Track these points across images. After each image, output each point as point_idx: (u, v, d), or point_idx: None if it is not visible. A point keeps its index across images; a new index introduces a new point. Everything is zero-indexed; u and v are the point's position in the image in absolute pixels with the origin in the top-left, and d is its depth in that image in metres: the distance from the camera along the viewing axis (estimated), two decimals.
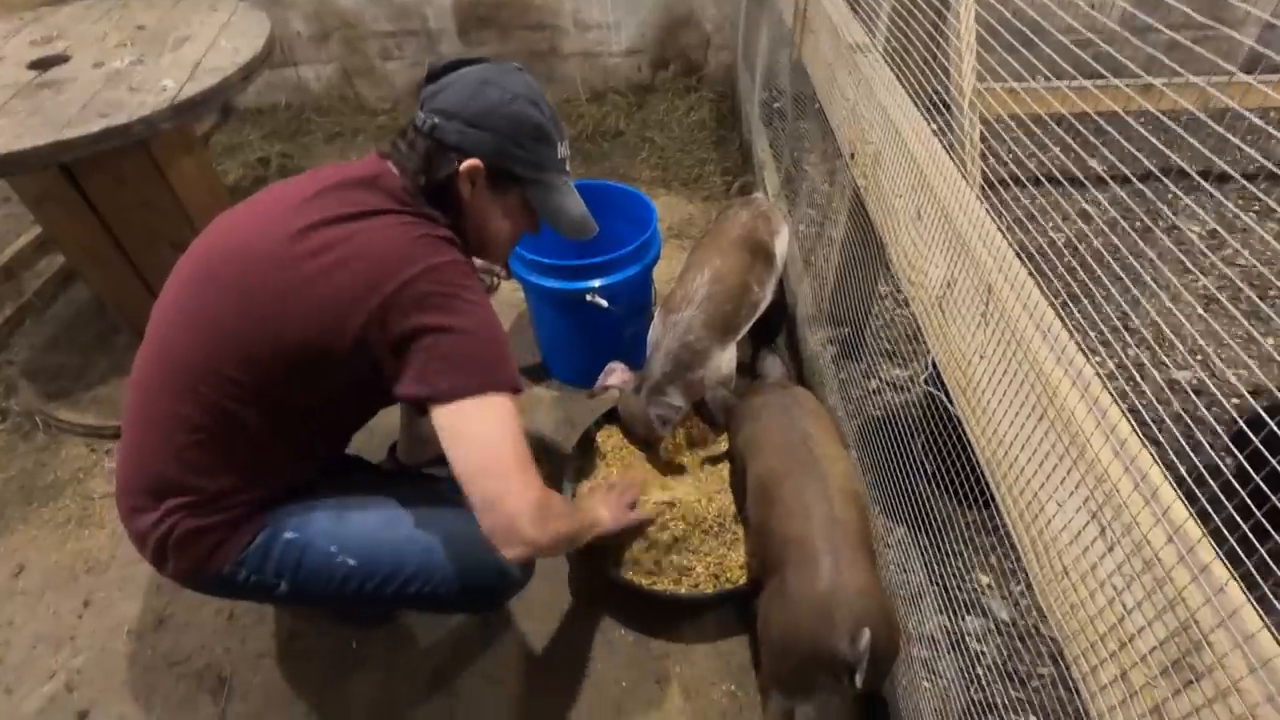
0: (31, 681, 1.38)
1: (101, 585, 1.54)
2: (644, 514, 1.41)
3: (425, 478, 1.48)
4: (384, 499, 1.18)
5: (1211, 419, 0.62)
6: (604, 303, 1.66)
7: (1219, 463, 0.59)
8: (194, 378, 0.98)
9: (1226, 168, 0.62)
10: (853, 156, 1.35)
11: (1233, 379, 0.66)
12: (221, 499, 1.05)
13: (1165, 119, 0.87)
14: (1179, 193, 0.67)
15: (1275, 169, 0.60)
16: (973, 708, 1.18)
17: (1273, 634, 0.46)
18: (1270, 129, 0.66)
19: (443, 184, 1.04)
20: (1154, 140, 0.75)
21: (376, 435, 1.74)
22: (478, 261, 1.24)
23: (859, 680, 0.93)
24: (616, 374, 1.60)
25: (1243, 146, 0.66)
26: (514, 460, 0.97)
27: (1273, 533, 0.49)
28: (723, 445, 1.67)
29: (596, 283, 1.67)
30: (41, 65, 1.67)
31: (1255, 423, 0.52)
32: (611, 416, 1.73)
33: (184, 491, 1.03)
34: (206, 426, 1.00)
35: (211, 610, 1.48)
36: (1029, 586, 1.42)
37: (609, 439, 1.71)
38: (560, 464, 1.70)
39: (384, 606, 1.33)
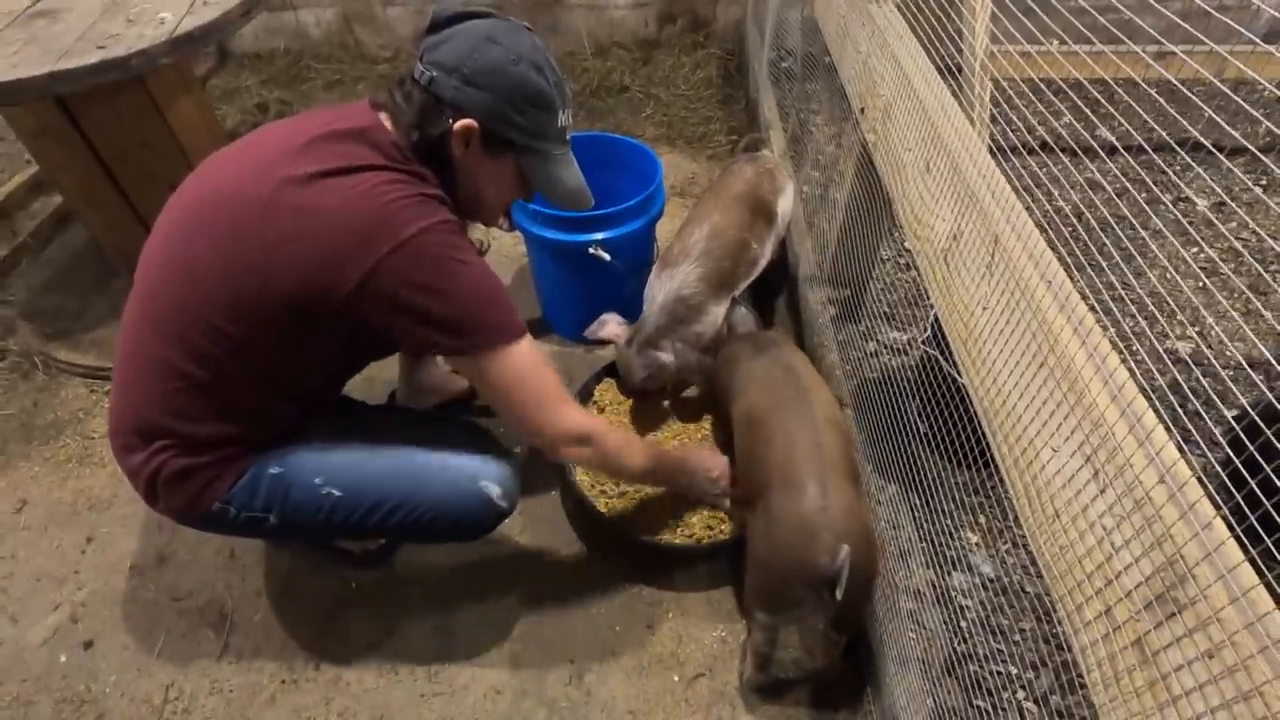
0: (36, 613, 1.41)
1: (104, 522, 1.56)
2: (723, 498, 1.40)
3: (413, 412, 1.50)
4: (371, 432, 1.20)
5: (1207, 388, 0.63)
6: (606, 256, 1.66)
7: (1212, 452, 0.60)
8: (181, 325, 0.99)
9: (1239, 138, 0.61)
10: (863, 111, 1.33)
11: (1232, 349, 0.67)
12: (209, 443, 1.06)
13: (1181, 87, 0.86)
14: (1191, 161, 0.67)
15: None
16: (955, 657, 1.21)
17: (1256, 564, 0.48)
18: None
19: (435, 141, 1.01)
20: (1169, 109, 0.74)
21: (376, 384, 1.76)
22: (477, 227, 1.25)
23: (839, 593, 0.97)
24: (609, 326, 1.60)
25: (1259, 118, 0.66)
26: (544, 395, 1.08)
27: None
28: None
29: (600, 236, 1.66)
30: None
31: (1252, 429, 0.53)
32: (610, 371, 1.74)
33: (171, 434, 1.04)
34: (193, 374, 1.00)
35: (212, 549, 1.50)
36: (1015, 545, 1.45)
37: (606, 393, 1.72)
38: None
39: (374, 534, 1.35)
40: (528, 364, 1.05)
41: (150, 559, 1.49)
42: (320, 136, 0.97)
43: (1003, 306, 0.79)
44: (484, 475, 1.19)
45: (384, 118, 1.02)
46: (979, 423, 0.84)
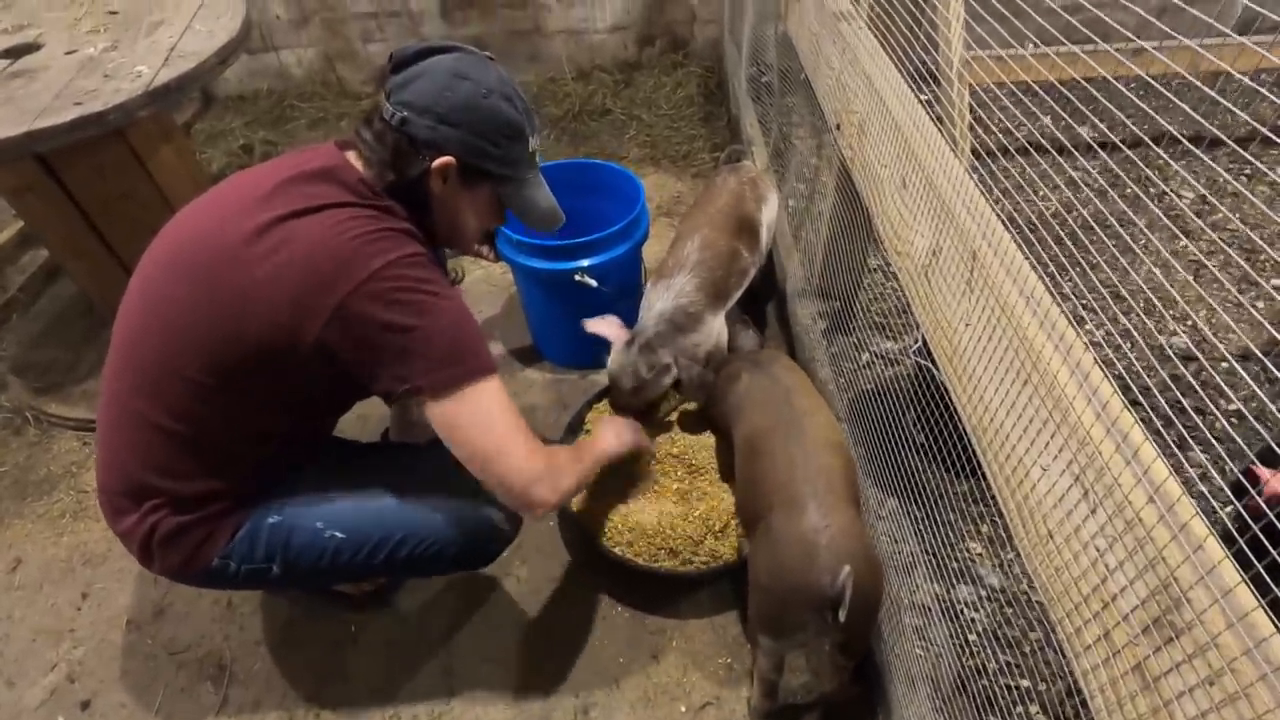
0: (33, 673, 1.39)
1: (99, 577, 1.54)
2: (645, 441, 1.44)
3: (408, 447, 1.49)
4: (368, 471, 1.19)
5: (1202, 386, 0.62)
6: (593, 282, 1.65)
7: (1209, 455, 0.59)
8: (158, 380, 0.98)
9: (1217, 132, 0.61)
10: (839, 127, 1.33)
11: (1222, 346, 0.66)
12: (200, 499, 1.05)
13: (1156, 84, 0.86)
14: (1169, 160, 0.66)
15: (1270, 134, 0.60)
16: (965, 673, 1.19)
17: (1250, 589, 0.47)
18: (1266, 91, 0.65)
19: (413, 181, 1.01)
20: (1144, 107, 0.74)
21: (370, 421, 1.75)
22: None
23: (842, 615, 0.95)
24: (609, 325, 1.60)
25: (1234, 110, 0.65)
26: (510, 438, 1.00)
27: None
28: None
29: (585, 262, 1.66)
30: (12, 54, 1.64)
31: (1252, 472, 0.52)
32: (603, 397, 1.73)
33: (160, 493, 1.03)
34: (174, 429, 0.99)
35: (209, 599, 1.49)
36: (1019, 553, 1.43)
37: (599, 420, 1.71)
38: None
39: (378, 574, 1.34)
40: (498, 405, 1.01)
41: (147, 613, 1.48)
42: (287, 180, 0.98)
43: (984, 323, 0.78)
44: (486, 502, 1.19)
45: (351, 156, 1.03)
46: (969, 441, 0.83)
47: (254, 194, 0.97)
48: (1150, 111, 0.72)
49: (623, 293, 1.75)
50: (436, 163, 1.00)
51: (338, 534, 1.11)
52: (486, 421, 0.99)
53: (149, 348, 0.98)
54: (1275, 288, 1.92)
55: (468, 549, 1.19)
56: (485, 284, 2.23)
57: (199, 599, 1.49)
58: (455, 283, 1.28)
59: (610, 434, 1.34)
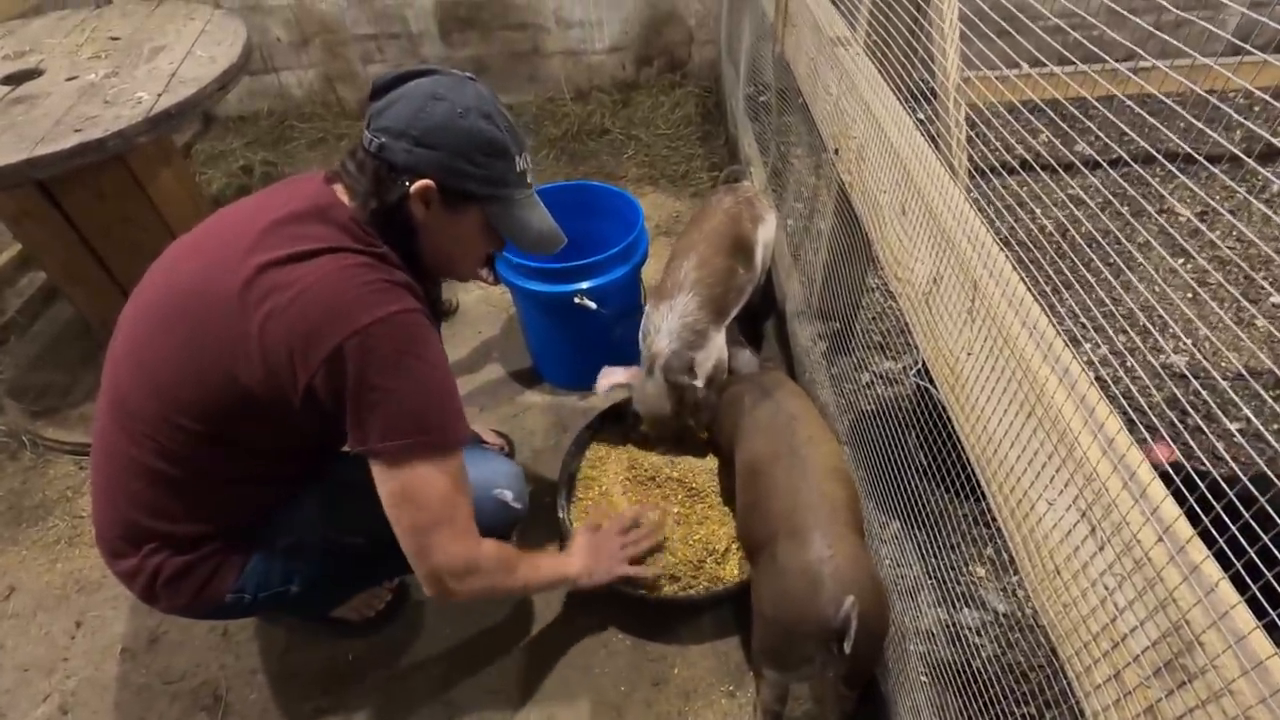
0: (25, 705, 1.37)
1: (93, 605, 1.52)
2: (641, 573, 1.35)
3: None
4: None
5: (1210, 399, 0.61)
6: (592, 305, 1.65)
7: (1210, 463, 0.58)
8: (149, 426, 0.97)
9: (1222, 140, 0.61)
10: (837, 152, 1.34)
11: (1231, 359, 0.66)
12: (199, 540, 1.04)
13: (1160, 95, 0.86)
14: (1174, 170, 0.66)
15: (1276, 141, 0.59)
16: (971, 701, 1.17)
17: (1264, 635, 0.46)
18: (1271, 100, 0.64)
19: (393, 207, 0.97)
20: (1147, 117, 0.73)
21: None
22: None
23: (848, 647, 0.94)
24: (617, 374, 1.58)
25: (1242, 120, 0.65)
26: (443, 519, 0.99)
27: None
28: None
29: (585, 285, 1.66)
30: (13, 80, 1.65)
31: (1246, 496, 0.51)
32: (606, 418, 1.72)
33: (157, 536, 1.01)
34: (166, 473, 0.98)
35: (204, 627, 1.47)
36: (1028, 590, 1.42)
37: (601, 446, 1.69)
38: (553, 473, 1.69)
39: (396, 572, 1.31)
40: (453, 482, 0.98)
41: (141, 641, 1.46)
42: (278, 220, 0.95)
43: (986, 353, 0.77)
44: (496, 482, 1.21)
45: (339, 190, 1.00)
46: (972, 470, 0.83)
47: (245, 235, 0.94)
48: (1155, 122, 0.72)
49: (622, 315, 1.75)
50: (415, 186, 0.96)
51: (358, 539, 1.10)
52: (423, 497, 0.97)
53: (136, 396, 0.97)
54: (1275, 305, 1.91)
55: (480, 529, 1.14)
56: (485, 305, 2.22)
57: (194, 626, 1.47)
58: (449, 313, 1.26)
59: (584, 561, 1.27)
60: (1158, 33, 0.70)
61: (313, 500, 1.13)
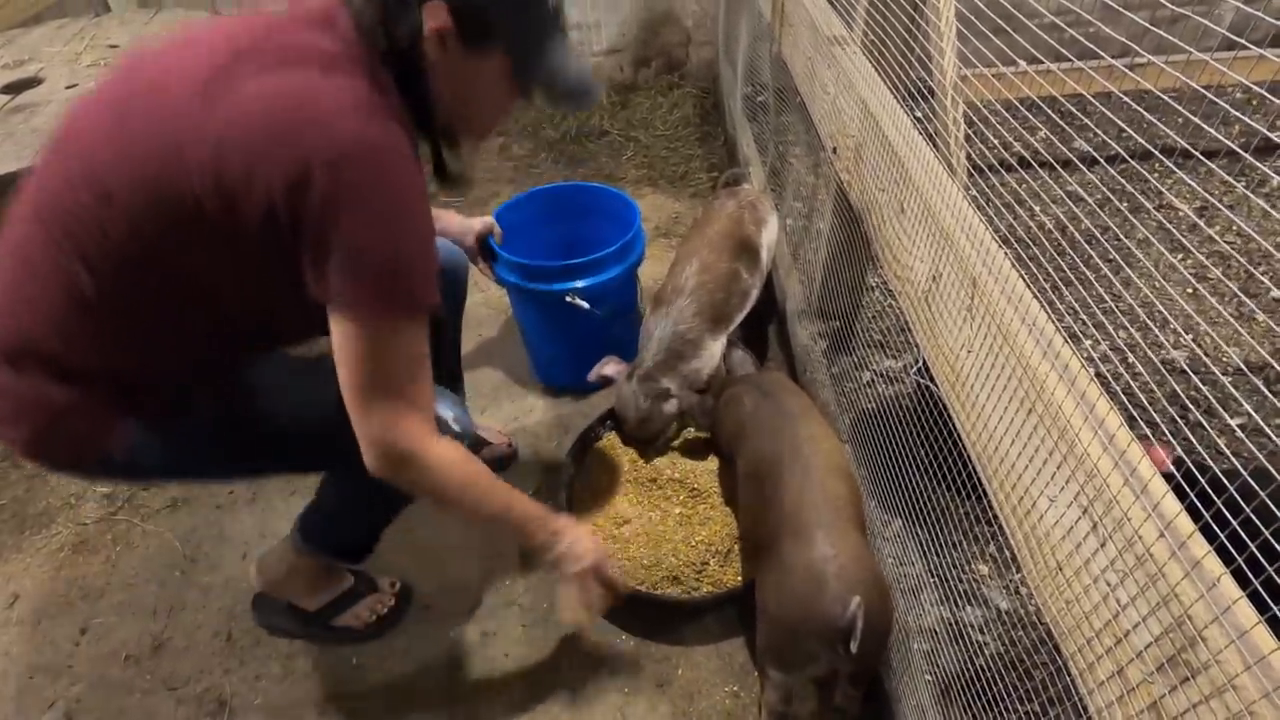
0: (31, 711, 1.37)
1: (98, 611, 1.53)
2: (616, 581, 1.19)
3: None
4: (316, 368, 1.03)
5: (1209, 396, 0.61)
6: (585, 304, 1.65)
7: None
8: (76, 222, 0.83)
9: (1220, 136, 0.61)
10: (835, 151, 1.34)
11: (1228, 352, 0.66)
12: (94, 377, 0.92)
13: (1159, 94, 0.86)
14: (1172, 165, 0.66)
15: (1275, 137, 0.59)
16: (974, 700, 1.17)
17: (1266, 629, 0.46)
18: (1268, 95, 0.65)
19: (406, 45, 0.84)
20: (1144, 113, 0.73)
21: None
22: None
23: (853, 647, 0.94)
24: (610, 365, 1.61)
25: (1241, 116, 0.65)
26: (396, 390, 0.89)
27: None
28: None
29: (579, 284, 1.66)
30: (13, 89, 1.66)
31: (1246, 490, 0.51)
32: (608, 419, 1.72)
33: (49, 357, 0.89)
34: (83, 284, 0.85)
35: (209, 633, 1.47)
36: (1030, 586, 1.42)
37: (604, 443, 1.70)
38: (555, 470, 1.69)
39: (323, 462, 1.17)
40: (416, 352, 0.89)
41: (146, 647, 1.46)
42: (271, 26, 0.85)
43: (986, 350, 0.78)
44: (438, 405, 1.08)
45: (348, 15, 0.86)
46: (973, 467, 0.83)
47: (233, 40, 0.83)
48: (1152, 119, 0.72)
49: (617, 315, 1.75)
50: (430, 26, 0.83)
51: (279, 422, 1.02)
52: (381, 360, 0.87)
53: (67, 190, 0.84)
54: (1276, 299, 1.91)
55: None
56: (485, 308, 2.23)
57: (198, 631, 1.47)
58: (462, 182, 1.12)
59: (573, 529, 1.13)
60: (1153, 28, 0.70)
61: (260, 370, 1.03)
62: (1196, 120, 0.63)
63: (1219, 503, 0.50)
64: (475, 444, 1.67)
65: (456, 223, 1.61)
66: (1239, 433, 0.54)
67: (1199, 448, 0.60)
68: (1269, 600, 0.46)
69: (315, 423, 1.02)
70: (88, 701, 1.38)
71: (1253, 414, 0.51)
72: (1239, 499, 0.50)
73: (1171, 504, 0.54)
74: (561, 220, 1.94)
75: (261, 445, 1.08)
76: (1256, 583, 0.46)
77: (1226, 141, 0.63)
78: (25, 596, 1.56)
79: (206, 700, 1.37)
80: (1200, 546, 0.51)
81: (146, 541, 1.64)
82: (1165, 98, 0.68)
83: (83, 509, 1.73)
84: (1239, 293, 1.37)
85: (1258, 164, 0.58)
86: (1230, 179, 0.70)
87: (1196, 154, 0.70)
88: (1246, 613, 0.47)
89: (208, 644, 1.45)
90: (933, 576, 1.32)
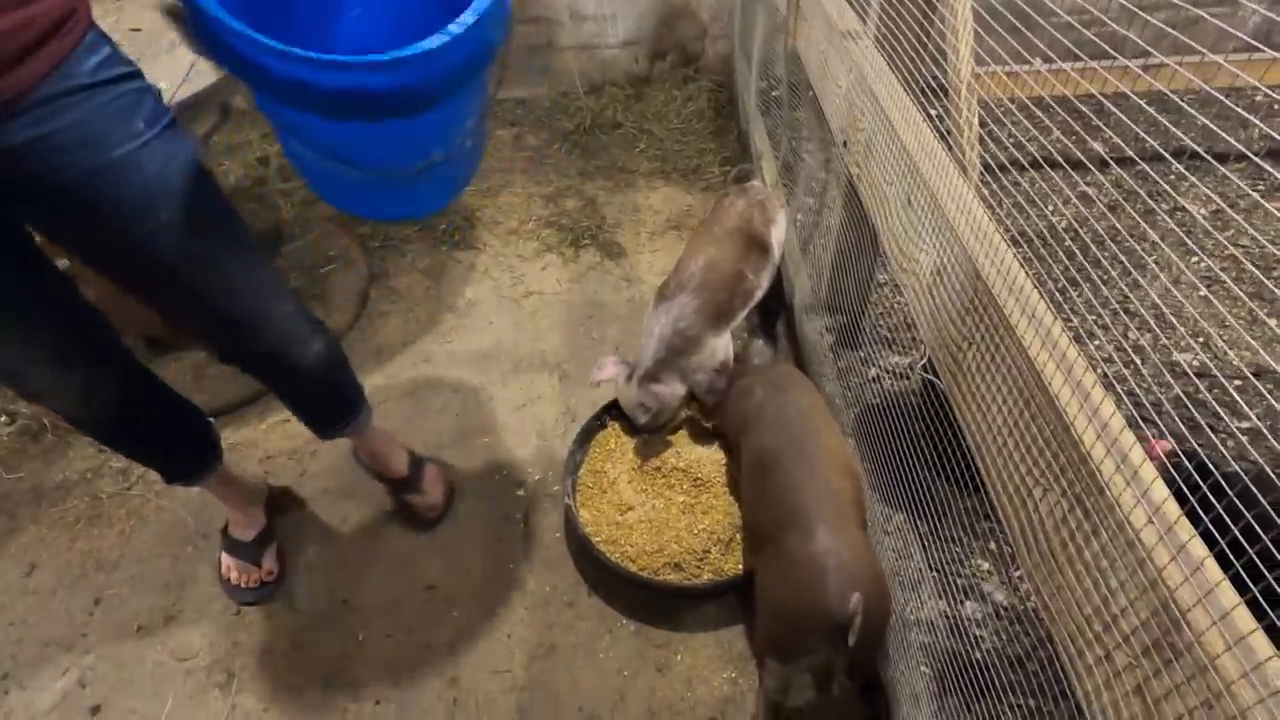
0: (45, 678, 1.41)
1: (111, 583, 1.56)
2: None
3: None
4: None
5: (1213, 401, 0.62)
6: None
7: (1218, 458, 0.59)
8: None
9: (1233, 142, 0.61)
10: (845, 144, 1.34)
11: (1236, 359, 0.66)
12: None
13: (1173, 96, 0.86)
14: (1184, 172, 0.66)
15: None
16: (971, 693, 1.18)
17: (1248, 610, 0.47)
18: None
19: None
20: (1160, 119, 0.74)
21: None
22: None
23: (851, 640, 0.95)
24: (609, 367, 1.61)
25: (1248, 117, 0.66)
26: None
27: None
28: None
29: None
30: None
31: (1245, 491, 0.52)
32: (614, 408, 1.74)
33: None
34: None
35: (219, 607, 1.50)
36: (1024, 574, 1.42)
37: (610, 431, 1.72)
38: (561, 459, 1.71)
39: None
40: None
41: (158, 619, 1.49)
42: None
43: (987, 342, 0.78)
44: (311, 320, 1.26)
45: None
46: (972, 458, 0.84)
47: None
48: (1167, 124, 0.73)
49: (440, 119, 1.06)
50: None
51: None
52: None
53: None
54: None
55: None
56: (496, 295, 2.24)
57: (209, 605, 1.50)
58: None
59: None
60: (1170, 30, 0.70)
61: None
62: (1208, 123, 0.63)
63: (1206, 487, 0.51)
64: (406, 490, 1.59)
65: None
66: (1240, 437, 0.55)
67: (1197, 447, 0.61)
68: (1249, 582, 0.47)
69: None
70: (100, 670, 1.42)
71: (1256, 421, 0.51)
72: (1232, 495, 0.51)
73: (1160, 490, 0.55)
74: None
75: None
76: (1238, 565, 0.47)
77: (1238, 145, 0.63)
78: (41, 567, 1.60)
79: (215, 671, 1.40)
80: (1186, 531, 0.52)
81: (160, 516, 1.68)
82: (1179, 100, 0.69)
83: (98, 483, 1.77)
84: (1245, 298, 1.36)
85: (1273, 171, 0.59)
86: (1242, 184, 0.70)
87: (1208, 158, 0.70)
88: (1229, 595, 0.48)
89: (218, 617, 1.49)
90: (933, 570, 1.33)
